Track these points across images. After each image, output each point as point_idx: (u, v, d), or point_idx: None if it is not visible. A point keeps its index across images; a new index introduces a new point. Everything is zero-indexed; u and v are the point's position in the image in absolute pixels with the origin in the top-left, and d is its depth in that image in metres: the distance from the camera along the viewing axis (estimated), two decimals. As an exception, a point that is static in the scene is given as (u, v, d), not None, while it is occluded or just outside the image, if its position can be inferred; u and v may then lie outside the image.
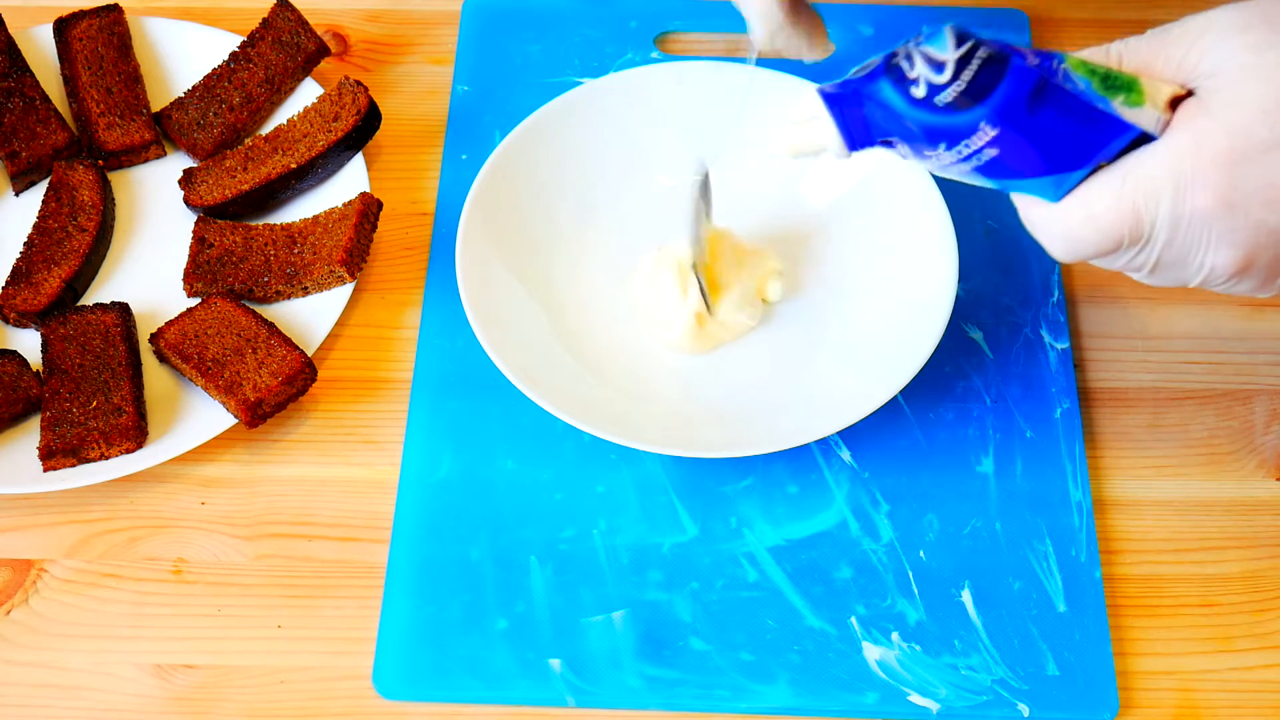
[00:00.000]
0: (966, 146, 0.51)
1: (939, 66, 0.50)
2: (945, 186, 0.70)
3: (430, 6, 0.86)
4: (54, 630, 0.64)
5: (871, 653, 0.63)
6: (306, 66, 0.80)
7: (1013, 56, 0.49)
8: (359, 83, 0.77)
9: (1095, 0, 0.85)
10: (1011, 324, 0.72)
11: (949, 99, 0.50)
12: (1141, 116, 0.50)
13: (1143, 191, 0.50)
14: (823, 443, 0.68)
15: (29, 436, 0.68)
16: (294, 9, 0.80)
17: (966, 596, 0.64)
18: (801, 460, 0.68)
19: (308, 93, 0.80)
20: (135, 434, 0.67)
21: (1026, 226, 0.54)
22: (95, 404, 0.67)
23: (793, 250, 0.73)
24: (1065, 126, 0.50)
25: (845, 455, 0.68)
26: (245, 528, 0.67)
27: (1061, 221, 0.52)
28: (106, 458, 0.67)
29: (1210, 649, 0.64)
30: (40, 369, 0.70)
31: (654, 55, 0.83)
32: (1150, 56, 0.51)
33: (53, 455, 0.66)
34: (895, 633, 0.63)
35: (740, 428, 0.67)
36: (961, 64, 0.49)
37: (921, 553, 0.65)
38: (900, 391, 0.65)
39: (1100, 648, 0.63)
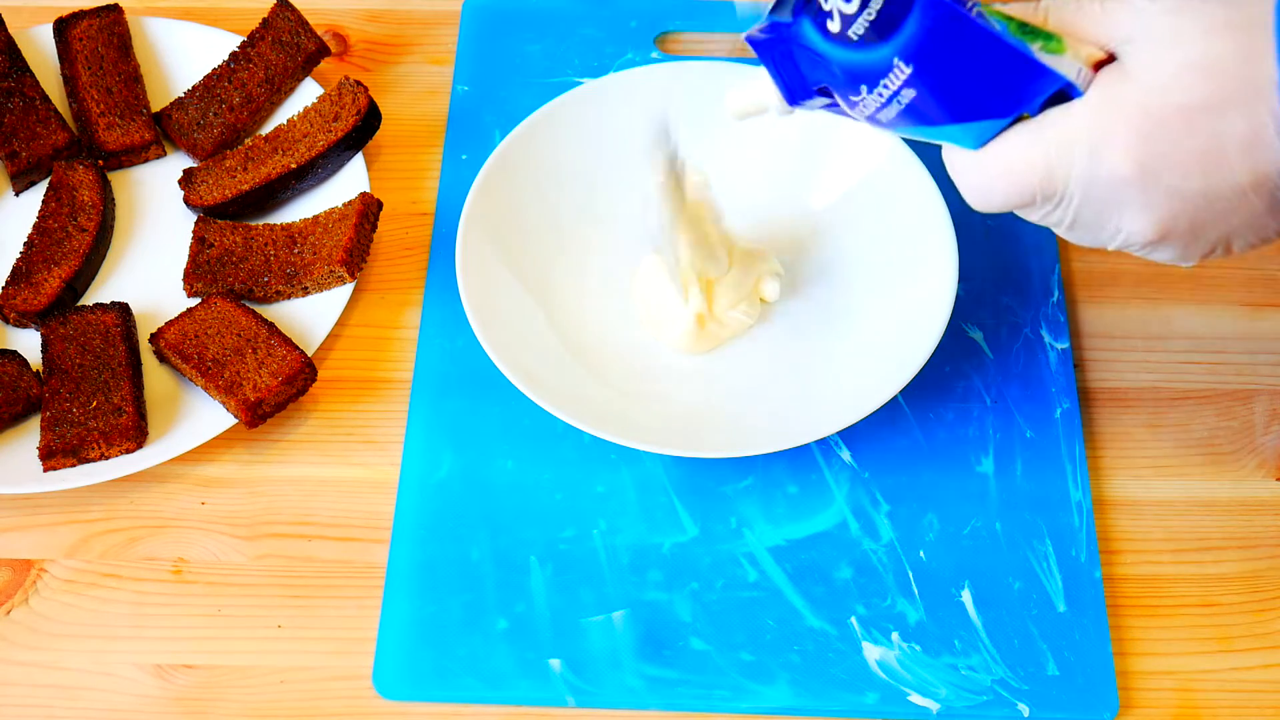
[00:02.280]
0: (885, 88, 0.50)
1: None
2: (945, 186, 0.70)
3: (430, 6, 0.86)
4: (54, 630, 0.64)
5: (871, 653, 0.63)
6: (306, 66, 0.80)
7: None
8: (359, 83, 0.77)
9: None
10: (1011, 324, 0.72)
11: (861, 31, 0.48)
12: (1062, 64, 0.49)
13: (1058, 148, 0.50)
14: (823, 443, 0.68)
15: (29, 436, 0.68)
16: (294, 9, 0.80)
17: (966, 596, 0.64)
18: (801, 460, 0.68)
19: (308, 93, 0.80)
20: (135, 434, 0.67)
21: (949, 171, 0.53)
22: (95, 404, 0.67)
23: (792, 250, 0.73)
24: (982, 66, 0.49)
25: (845, 455, 0.68)
26: (245, 528, 0.67)
27: (977, 169, 0.52)
28: (106, 458, 0.67)
29: (1210, 649, 0.64)
30: (40, 369, 0.70)
31: (654, 55, 0.83)
32: (1074, 18, 0.51)
33: (53, 455, 0.66)
34: (895, 633, 0.63)
35: (740, 428, 0.67)
36: None
37: (921, 553, 0.65)
38: (900, 391, 0.65)
39: (1100, 648, 0.63)
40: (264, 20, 0.80)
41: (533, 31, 0.83)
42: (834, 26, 0.49)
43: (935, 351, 0.65)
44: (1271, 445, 0.69)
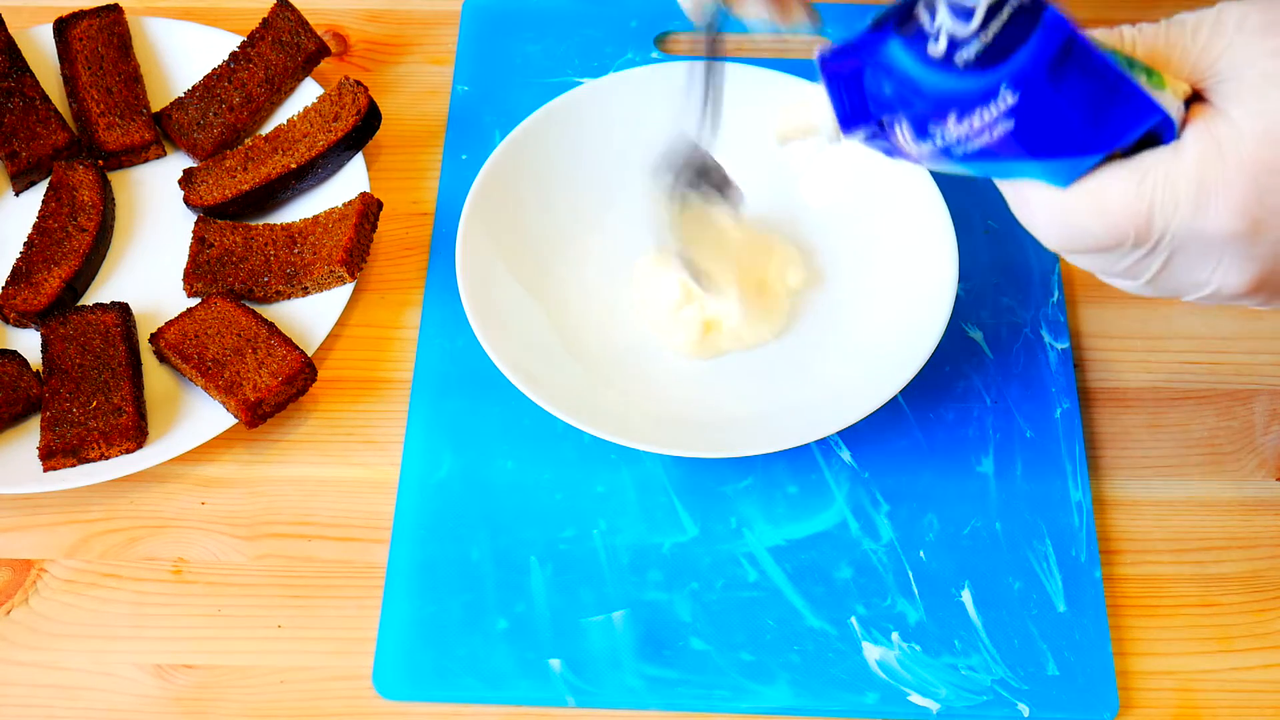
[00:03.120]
0: (980, 118, 0.45)
1: (966, 14, 0.44)
2: (945, 187, 0.70)
3: (430, 6, 0.86)
4: (54, 630, 0.64)
5: (871, 653, 0.63)
6: (306, 66, 0.80)
7: (1047, 5, 0.44)
8: (359, 83, 0.77)
9: (1095, 0, 0.85)
10: (1011, 324, 0.72)
11: (970, 56, 0.44)
12: (1164, 100, 0.46)
13: (1162, 193, 0.46)
14: (823, 443, 0.68)
15: (29, 436, 0.68)
16: (294, 9, 0.80)
17: (966, 596, 0.64)
18: (801, 460, 0.68)
19: (308, 93, 0.80)
20: (135, 434, 0.67)
21: (1014, 208, 0.49)
22: (95, 404, 0.67)
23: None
24: (1090, 97, 0.45)
25: (845, 455, 0.68)
26: (245, 528, 0.67)
27: (1064, 208, 0.47)
28: (106, 458, 0.67)
29: (1210, 649, 0.64)
30: (40, 369, 0.70)
31: (654, 55, 0.83)
32: (1165, 48, 0.47)
33: (53, 455, 0.66)
34: (895, 633, 0.63)
35: (740, 427, 0.67)
36: (992, 11, 0.44)
37: (921, 553, 0.65)
38: (900, 391, 0.65)
39: (1100, 648, 0.63)
40: (264, 20, 0.80)
41: (533, 31, 0.83)
42: (936, 50, 0.45)
43: (935, 351, 0.65)
44: (1271, 445, 0.69)
